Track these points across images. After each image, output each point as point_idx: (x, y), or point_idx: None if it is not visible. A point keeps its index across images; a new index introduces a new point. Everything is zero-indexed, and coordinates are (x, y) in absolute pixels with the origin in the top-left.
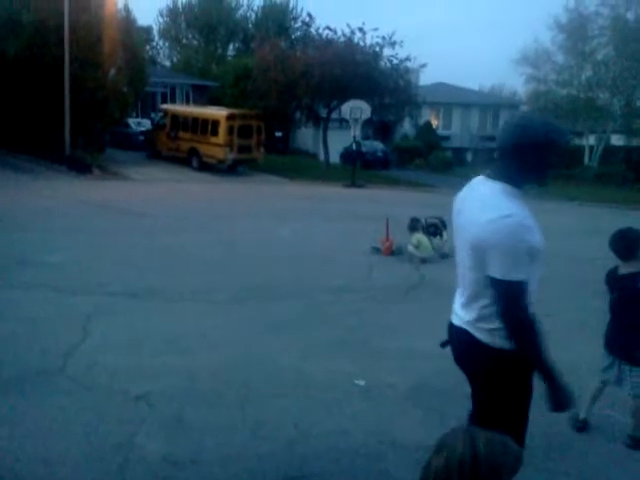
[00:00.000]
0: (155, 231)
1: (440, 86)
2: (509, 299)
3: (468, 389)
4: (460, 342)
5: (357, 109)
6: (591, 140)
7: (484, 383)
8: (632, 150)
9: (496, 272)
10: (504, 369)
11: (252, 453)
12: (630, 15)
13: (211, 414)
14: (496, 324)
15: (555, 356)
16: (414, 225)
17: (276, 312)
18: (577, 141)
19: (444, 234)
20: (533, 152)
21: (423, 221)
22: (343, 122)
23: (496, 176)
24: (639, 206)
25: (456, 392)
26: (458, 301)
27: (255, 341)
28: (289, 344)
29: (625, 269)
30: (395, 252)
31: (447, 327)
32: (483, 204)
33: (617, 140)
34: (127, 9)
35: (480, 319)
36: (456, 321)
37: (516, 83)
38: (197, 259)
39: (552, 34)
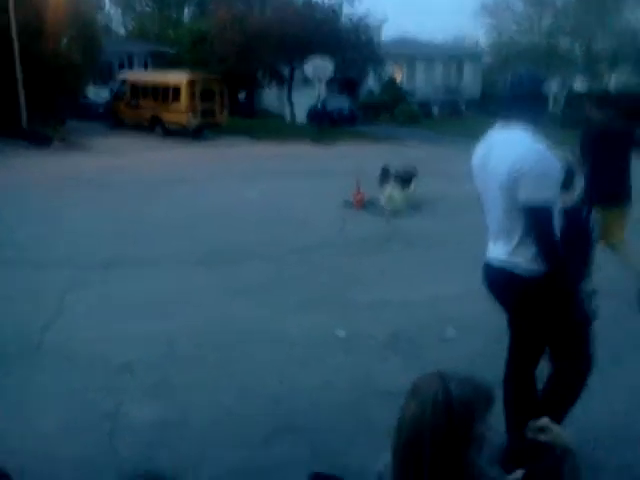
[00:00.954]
0: (122, 200)
1: (402, 41)
2: (541, 222)
3: (443, 334)
4: (501, 280)
5: (320, 67)
6: (554, 87)
7: (528, 312)
8: (595, 94)
9: (530, 195)
10: (544, 294)
11: (238, 411)
12: None
13: (194, 377)
14: (532, 251)
15: None
16: (385, 175)
17: (249, 273)
18: None
19: (412, 185)
20: (540, 98)
21: (393, 171)
22: (307, 80)
23: (513, 123)
24: None
25: (432, 338)
26: (494, 244)
27: (230, 303)
28: (264, 304)
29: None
30: (367, 205)
31: (483, 270)
32: (511, 144)
33: (579, 86)
34: None
35: (517, 251)
36: (495, 263)
37: (478, 34)
38: (166, 225)
39: None
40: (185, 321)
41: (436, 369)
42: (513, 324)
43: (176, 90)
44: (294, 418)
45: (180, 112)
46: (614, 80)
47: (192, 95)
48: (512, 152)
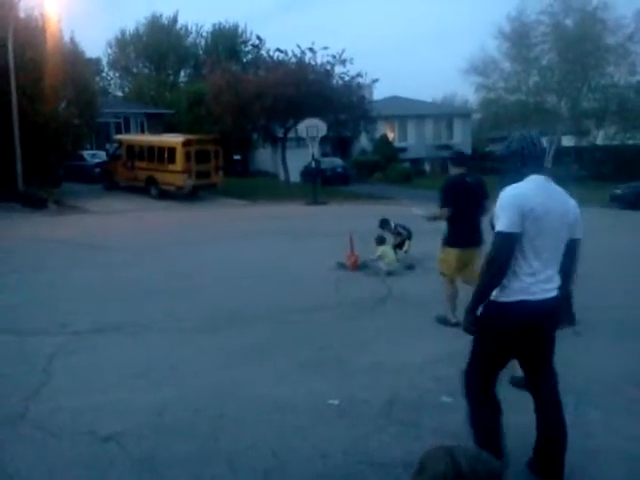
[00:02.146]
0: (116, 263)
1: (394, 100)
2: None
3: (440, 400)
4: (556, 310)
5: (313, 127)
6: (543, 143)
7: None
8: (582, 150)
9: (581, 234)
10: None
11: None
12: (569, 22)
13: (184, 449)
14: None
15: None
16: (383, 226)
17: (245, 337)
18: None
19: (406, 244)
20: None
21: (392, 224)
22: (300, 140)
23: (552, 178)
24: (593, 204)
25: (428, 404)
26: (548, 282)
27: (225, 369)
28: (260, 369)
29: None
30: (361, 267)
31: (531, 307)
32: (566, 196)
33: (568, 141)
34: (74, 42)
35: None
36: (552, 296)
37: (467, 92)
38: (161, 289)
39: (497, 43)
40: (178, 389)
41: (440, 443)
42: (546, 351)
43: (171, 151)
44: None
45: (175, 173)
46: (601, 135)
47: (187, 156)
48: (570, 203)
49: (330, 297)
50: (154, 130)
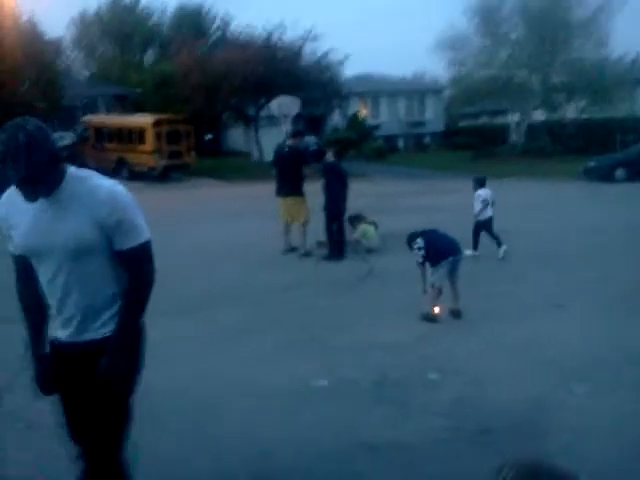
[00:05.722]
0: None
1: (365, 77)
2: None
3: (427, 377)
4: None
5: (286, 105)
6: (514, 118)
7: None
8: (554, 124)
9: None
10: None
11: (214, 475)
12: None
13: (162, 439)
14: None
15: None
16: (356, 217)
17: (221, 319)
18: (502, 119)
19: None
20: None
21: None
22: (273, 119)
23: None
24: (567, 178)
25: (416, 382)
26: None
27: (202, 353)
28: (239, 352)
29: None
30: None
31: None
32: None
33: (539, 116)
34: (32, 22)
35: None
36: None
37: (437, 68)
38: None
39: (467, 18)
40: (154, 377)
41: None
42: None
43: (141, 132)
44: (276, 478)
45: (146, 154)
46: (571, 110)
47: (158, 136)
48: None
49: (309, 276)
50: (122, 111)
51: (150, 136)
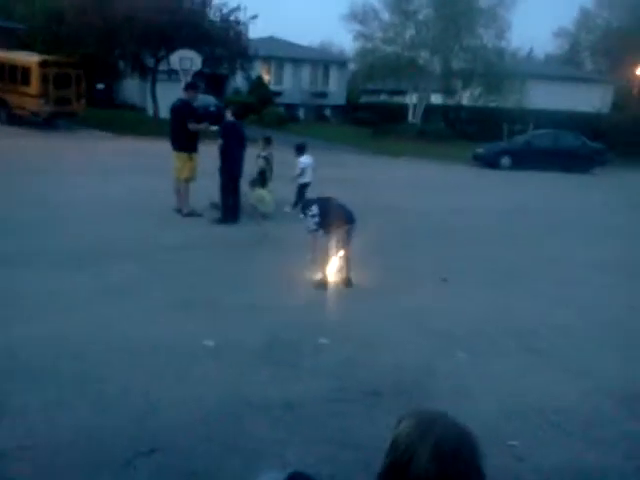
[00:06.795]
0: None
1: (271, 40)
2: None
3: (317, 341)
4: None
5: (187, 59)
6: (414, 98)
7: None
8: (449, 109)
9: None
10: None
11: (94, 433)
12: None
13: (42, 394)
14: None
15: None
16: (258, 179)
17: (112, 275)
18: (401, 99)
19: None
20: None
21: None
22: (172, 74)
23: None
24: (458, 161)
25: (306, 344)
26: None
27: (91, 308)
28: (129, 309)
29: None
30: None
31: None
32: None
33: (436, 99)
34: None
35: None
36: None
37: (343, 41)
38: (16, 221)
39: None
40: (38, 330)
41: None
42: None
43: (26, 72)
44: (159, 437)
45: (30, 97)
46: (467, 96)
47: (44, 79)
48: None
49: (202, 238)
50: (3, 46)
51: (35, 78)
